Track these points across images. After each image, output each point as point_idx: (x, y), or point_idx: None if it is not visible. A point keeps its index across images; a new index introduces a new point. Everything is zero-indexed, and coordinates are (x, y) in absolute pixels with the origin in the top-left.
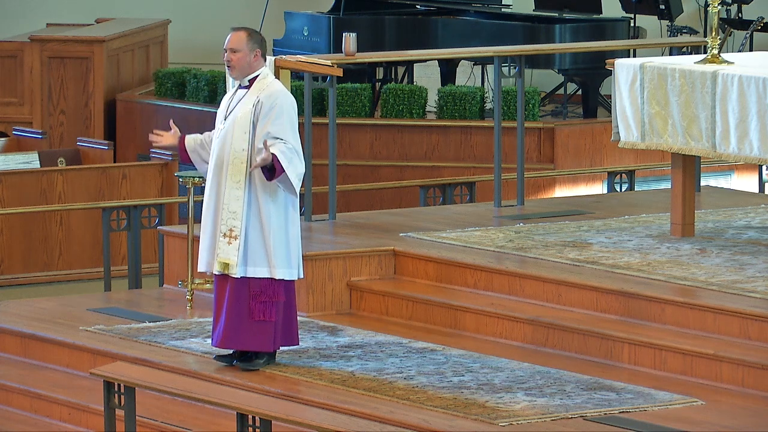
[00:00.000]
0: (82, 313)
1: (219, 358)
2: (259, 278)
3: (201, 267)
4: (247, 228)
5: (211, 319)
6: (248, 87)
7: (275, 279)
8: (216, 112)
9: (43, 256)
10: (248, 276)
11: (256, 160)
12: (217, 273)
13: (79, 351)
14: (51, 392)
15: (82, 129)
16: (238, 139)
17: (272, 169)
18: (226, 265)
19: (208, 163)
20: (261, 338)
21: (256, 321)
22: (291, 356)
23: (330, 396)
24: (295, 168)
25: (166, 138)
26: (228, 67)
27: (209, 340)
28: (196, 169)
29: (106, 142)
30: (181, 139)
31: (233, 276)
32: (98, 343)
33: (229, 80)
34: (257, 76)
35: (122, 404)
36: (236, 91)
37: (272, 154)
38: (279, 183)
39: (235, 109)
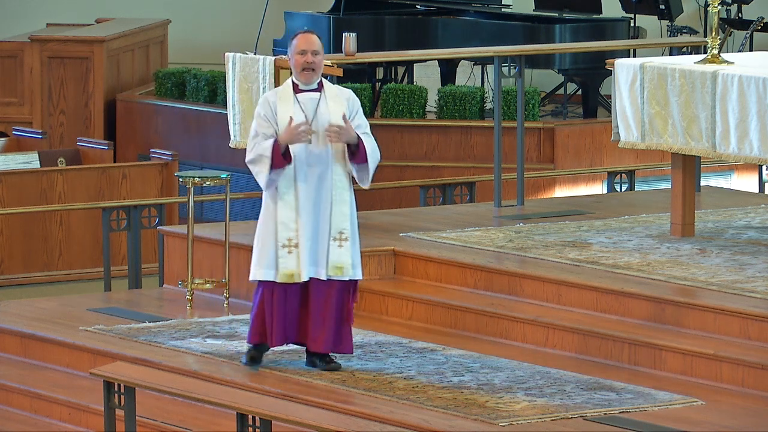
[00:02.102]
0: (82, 313)
1: (251, 362)
2: (356, 279)
3: (305, 275)
4: (353, 229)
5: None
6: (317, 90)
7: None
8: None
9: (43, 256)
10: (356, 278)
11: (345, 132)
12: (330, 278)
13: (79, 351)
14: (51, 392)
15: (82, 129)
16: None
17: (354, 152)
18: (341, 269)
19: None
20: (351, 337)
21: (351, 321)
22: (291, 356)
23: (330, 396)
24: (375, 157)
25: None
26: (309, 69)
27: (209, 340)
28: (195, 169)
29: (106, 142)
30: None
31: (342, 279)
32: (98, 343)
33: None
34: (321, 80)
35: (122, 404)
36: (296, 95)
37: (358, 136)
38: (356, 165)
39: (319, 112)
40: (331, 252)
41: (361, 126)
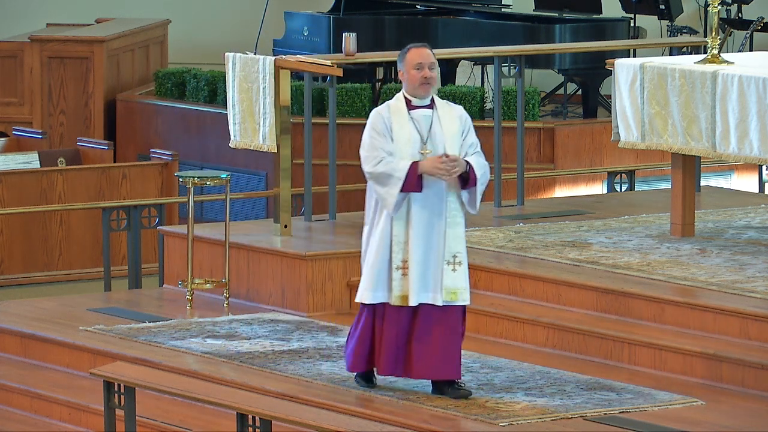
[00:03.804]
0: (82, 313)
1: (366, 380)
2: (466, 304)
3: (414, 300)
4: (465, 252)
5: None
6: (429, 107)
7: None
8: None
9: (43, 256)
10: (467, 302)
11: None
12: (441, 303)
13: (79, 351)
14: (51, 392)
15: (82, 129)
16: None
17: (466, 178)
18: (455, 294)
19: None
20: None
21: (460, 345)
22: (291, 356)
23: (330, 396)
24: (485, 180)
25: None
26: (427, 84)
27: (209, 340)
28: (195, 169)
29: (106, 142)
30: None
31: (460, 304)
32: (98, 343)
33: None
34: (432, 96)
35: (122, 404)
36: (410, 111)
37: (467, 162)
38: (466, 191)
39: (434, 131)
40: (446, 276)
41: (474, 145)
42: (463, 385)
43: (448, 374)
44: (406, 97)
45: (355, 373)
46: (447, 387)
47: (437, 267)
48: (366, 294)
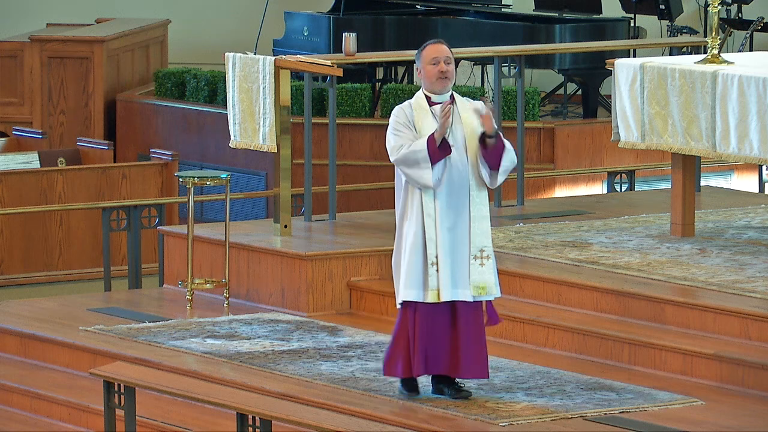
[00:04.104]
0: (82, 313)
1: (408, 388)
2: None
3: (445, 296)
4: (491, 246)
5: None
6: (449, 102)
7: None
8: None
9: (43, 256)
10: (497, 296)
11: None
12: (472, 299)
13: (79, 351)
14: (51, 392)
15: (82, 129)
16: (475, 154)
17: (489, 146)
18: (484, 289)
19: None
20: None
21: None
22: (291, 356)
23: (330, 396)
24: (510, 156)
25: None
26: (444, 78)
27: (209, 340)
28: (195, 169)
29: (106, 142)
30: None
31: (487, 299)
32: (98, 343)
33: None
34: (452, 92)
35: (122, 404)
36: (431, 107)
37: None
38: (488, 170)
39: (454, 125)
40: (473, 271)
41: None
42: (463, 385)
43: (483, 374)
44: (426, 95)
45: (399, 382)
46: (447, 387)
47: (464, 263)
48: (401, 292)
